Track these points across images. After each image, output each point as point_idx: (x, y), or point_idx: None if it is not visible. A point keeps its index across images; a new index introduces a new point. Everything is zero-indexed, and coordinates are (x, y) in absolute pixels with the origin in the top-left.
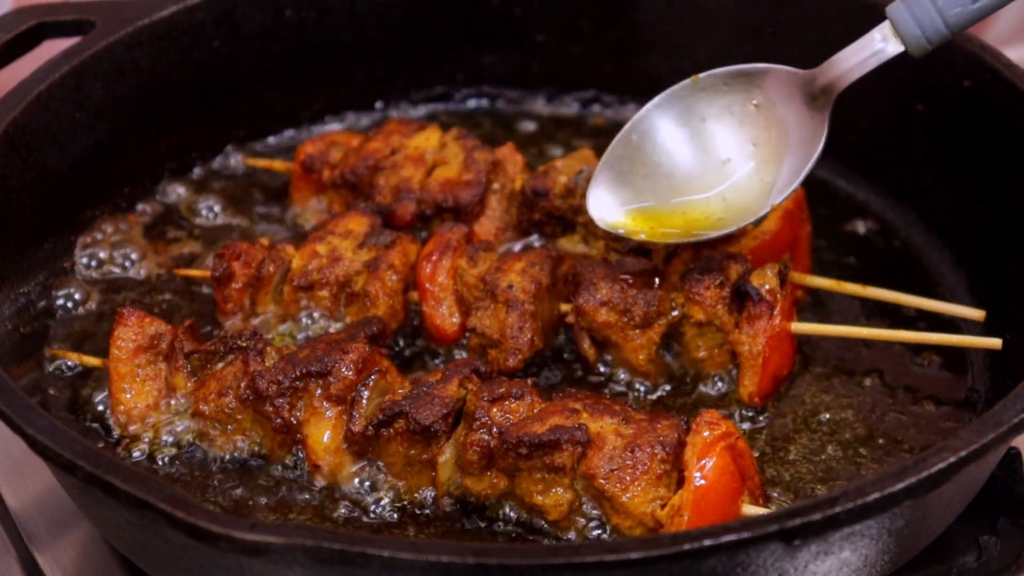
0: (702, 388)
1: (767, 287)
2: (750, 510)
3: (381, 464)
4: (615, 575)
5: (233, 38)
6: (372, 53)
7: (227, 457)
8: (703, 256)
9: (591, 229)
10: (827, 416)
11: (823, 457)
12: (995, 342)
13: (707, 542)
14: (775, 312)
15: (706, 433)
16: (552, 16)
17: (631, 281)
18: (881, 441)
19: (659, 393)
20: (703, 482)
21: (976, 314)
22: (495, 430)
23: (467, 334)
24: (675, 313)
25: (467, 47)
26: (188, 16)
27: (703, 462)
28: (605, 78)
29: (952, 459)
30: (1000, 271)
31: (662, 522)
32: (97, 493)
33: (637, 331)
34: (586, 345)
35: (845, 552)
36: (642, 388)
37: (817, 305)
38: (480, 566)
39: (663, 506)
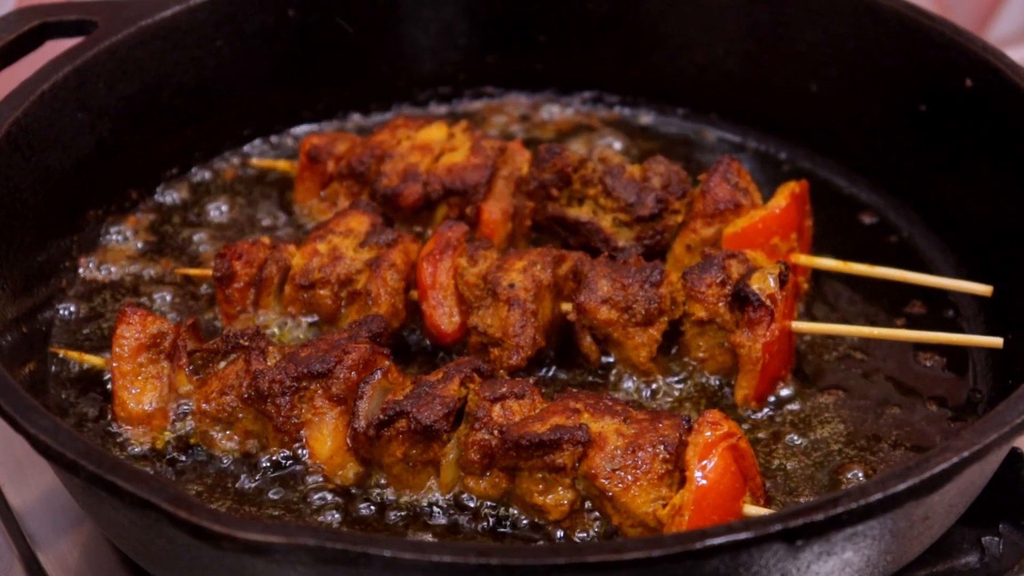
0: (703, 388)
1: (767, 292)
2: (751, 510)
3: (384, 464)
4: (618, 575)
5: (236, 38)
6: (375, 53)
7: (229, 457)
8: (704, 254)
9: (600, 203)
10: (828, 416)
11: (824, 457)
12: (996, 341)
13: (710, 542)
14: (774, 318)
15: (708, 433)
16: (555, 16)
17: (632, 279)
18: (883, 441)
19: (660, 392)
20: (704, 482)
21: (983, 289)
22: (497, 430)
23: (469, 332)
24: (676, 311)
25: (470, 48)
26: (190, 16)
27: (704, 462)
28: (608, 78)
29: (955, 459)
30: (1003, 271)
31: (663, 522)
32: (100, 493)
33: (638, 329)
34: (587, 343)
35: (848, 552)
36: (643, 387)
37: (819, 303)
38: (483, 566)
39: (665, 506)
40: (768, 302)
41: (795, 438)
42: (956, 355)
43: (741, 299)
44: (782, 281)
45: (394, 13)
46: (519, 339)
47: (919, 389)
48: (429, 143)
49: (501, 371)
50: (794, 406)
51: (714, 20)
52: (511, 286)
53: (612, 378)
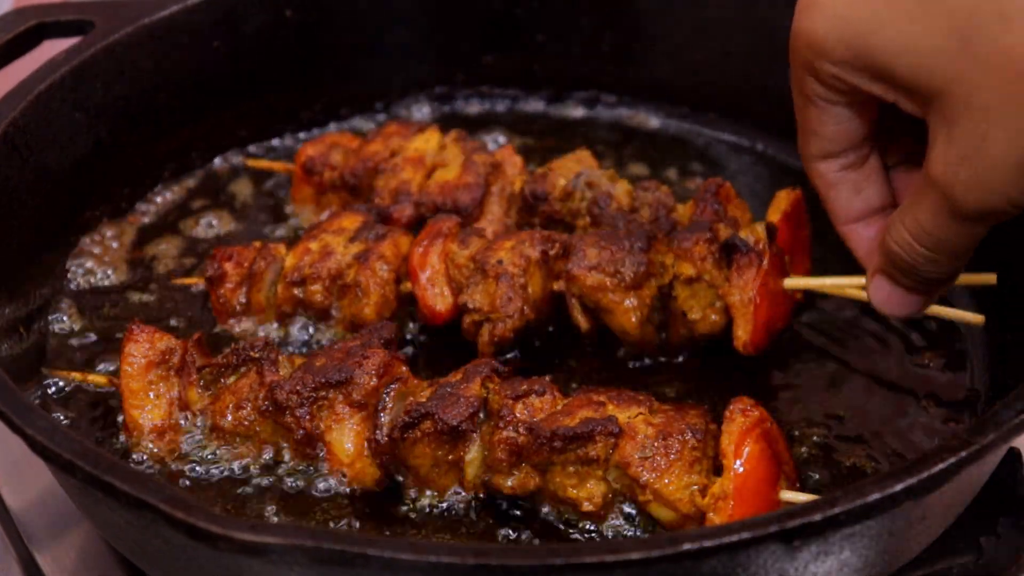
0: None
1: (754, 239)
2: (789, 496)
3: (407, 468)
4: (615, 575)
5: (233, 38)
6: (373, 54)
7: (250, 469)
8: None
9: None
10: (825, 415)
11: (820, 457)
12: (978, 318)
13: (707, 543)
14: (763, 261)
15: (741, 419)
16: (553, 16)
17: (619, 244)
18: (880, 441)
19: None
20: (743, 469)
21: (975, 318)
22: (523, 427)
23: (461, 313)
24: (665, 275)
25: (467, 47)
26: (188, 16)
27: (741, 448)
28: (606, 78)
29: (952, 460)
30: (1001, 271)
31: (704, 510)
32: (96, 493)
33: (628, 292)
34: (577, 313)
35: (845, 552)
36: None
37: (818, 305)
38: (481, 566)
39: (702, 493)
40: (756, 247)
41: (791, 438)
42: (954, 355)
43: (730, 248)
44: (770, 233)
45: (392, 13)
46: (506, 309)
47: (917, 389)
48: (421, 155)
49: (491, 347)
50: (790, 407)
51: (714, 20)
52: (499, 262)
53: (611, 361)
